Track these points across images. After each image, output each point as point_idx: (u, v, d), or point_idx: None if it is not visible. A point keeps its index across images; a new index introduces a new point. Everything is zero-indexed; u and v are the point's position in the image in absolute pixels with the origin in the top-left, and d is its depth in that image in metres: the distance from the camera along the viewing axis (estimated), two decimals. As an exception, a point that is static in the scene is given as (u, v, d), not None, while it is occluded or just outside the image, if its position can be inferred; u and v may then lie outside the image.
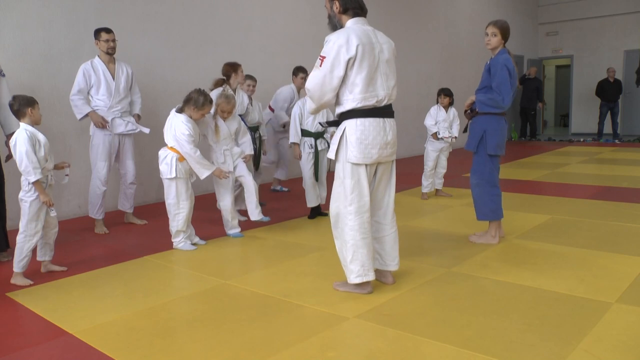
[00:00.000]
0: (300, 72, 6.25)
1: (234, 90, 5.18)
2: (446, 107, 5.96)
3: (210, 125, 4.54)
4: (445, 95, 5.93)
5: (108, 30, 4.87)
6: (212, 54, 6.50)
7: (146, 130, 5.11)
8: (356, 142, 2.99)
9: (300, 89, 6.27)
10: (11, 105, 3.57)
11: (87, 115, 4.81)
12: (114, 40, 4.88)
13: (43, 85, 5.26)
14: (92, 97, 4.88)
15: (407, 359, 2.39)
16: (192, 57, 6.50)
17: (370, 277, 3.09)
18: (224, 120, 4.59)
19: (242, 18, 7.21)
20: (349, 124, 3.01)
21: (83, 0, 5.59)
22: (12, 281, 3.57)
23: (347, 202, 3.04)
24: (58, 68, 5.39)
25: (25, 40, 5.21)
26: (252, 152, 4.89)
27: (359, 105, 2.98)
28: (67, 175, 3.80)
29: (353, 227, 3.04)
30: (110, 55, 4.89)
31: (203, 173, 4.20)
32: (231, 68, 5.16)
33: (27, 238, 3.57)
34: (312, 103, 3.12)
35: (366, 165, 3.04)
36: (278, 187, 6.89)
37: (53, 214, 3.64)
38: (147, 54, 6.14)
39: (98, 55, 4.90)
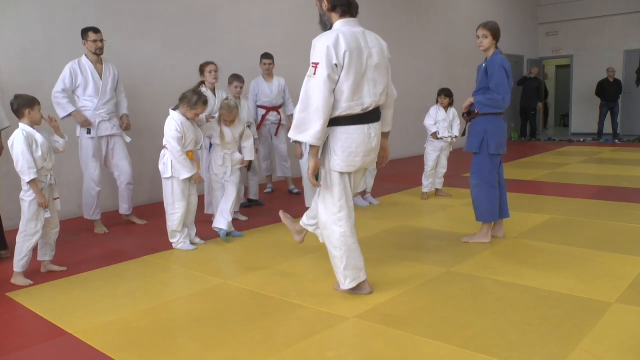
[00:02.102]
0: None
1: (213, 91, 5.17)
2: (446, 108, 5.95)
3: (216, 130, 4.55)
4: (446, 96, 5.92)
5: (96, 30, 4.81)
6: (212, 54, 6.49)
7: (127, 139, 5.07)
8: (340, 151, 2.94)
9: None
10: (12, 105, 3.59)
11: (70, 114, 4.74)
12: (102, 41, 4.82)
13: (43, 85, 5.25)
14: (78, 97, 4.83)
15: (407, 359, 2.39)
16: (192, 58, 6.49)
17: (362, 277, 3.10)
18: (229, 126, 4.59)
19: (242, 18, 7.21)
20: (333, 132, 2.95)
21: (83, 0, 5.59)
22: (13, 281, 3.58)
23: (335, 209, 3.02)
24: (58, 68, 5.36)
25: (25, 40, 5.21)
26: (252, 159, 4.87)
27: (343, 114, 2.89)
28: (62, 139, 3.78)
29: (345, 234, 3.03)
30: (98, 55, 4.84)
31: (182, 174, 4.16)
32: (201, 67, 5.21)
33: (26, 237, 3.57)
34: (320, 119, 2.81)
35: (350, 172, 3.03)
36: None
37: (47, 215, 3.62)
38: (147, 54, 6.14)
39: (85, 55, 4.84)
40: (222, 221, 4.45)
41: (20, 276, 3.58)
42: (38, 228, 3.60)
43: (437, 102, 5.99)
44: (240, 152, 4.75)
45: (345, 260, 3.04)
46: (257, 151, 5.84)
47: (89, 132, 4.83)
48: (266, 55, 6.42)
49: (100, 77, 4.85)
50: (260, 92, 6.42)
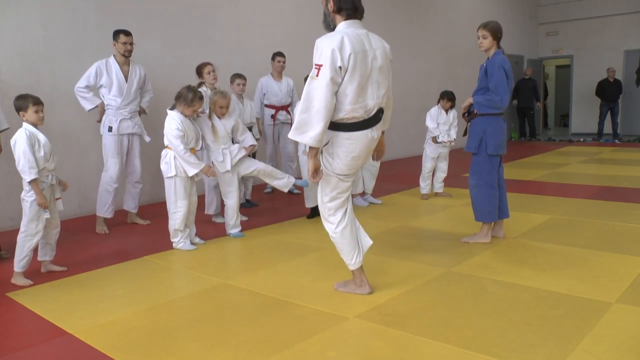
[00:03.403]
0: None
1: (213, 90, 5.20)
2: (447, 110, 5.94)
3: (207, 126, 4.54)
4: (448, 100, 5.88)
5: (127, 33, 4.91)
6: (212, 54, 6.50)
7: (147, 139, 5.15)
8: (344, 155, 2.93)
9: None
10: (14, 104, 3.62)
11: (96, 106, 4.89)
12: (131, 44, 4.93)
13: (43, 85, 5.26)
14: (104, 96, 4.93)
15: (407, 359, 2.39)
16: (192, 57, 6.49)
17: (357, 265, 3.13)
18: (222, 117, 4.58)
19: (242, 18, 7.21)
20: (336, 137, 2.93)
21: (83, 0, 5.59)
22: (13, 281, 3.58)
23: (326, 198, 3.06)
24: (58, 68, 5.39)
25: (25, 40, 5.21)
26: (255, 143, 4.88)
27: (346, 116, 2.87)
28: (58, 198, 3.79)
29: (335, 231, 3.07)
30: (126, 57, 4.94)
31: (190, 170, 4.16)
32: (198, 69, 5.26)
33: (27, 237, 3.57)
34: (321, 121, 2.77)
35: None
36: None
37: (47, 215, 3.61)
38: (147, 54, 6.13)
39: (114, 56, 4.94)
40: (281, 182, 4.77)
41: (20, 276, 3.58)
42: (39, 228, 3.60)
43: (439, 103, 5.96)
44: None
45: (339, 249, 3.15)
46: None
47: (110, 129, 4.91)
48: (280, 54, 6.43)
49: (126, 79, 4.94)
50: (269, 90, 6.40)
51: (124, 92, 4.91)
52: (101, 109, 4.92)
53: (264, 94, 6.42)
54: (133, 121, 5.04)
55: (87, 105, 4.89)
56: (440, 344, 2.50)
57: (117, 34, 4.91)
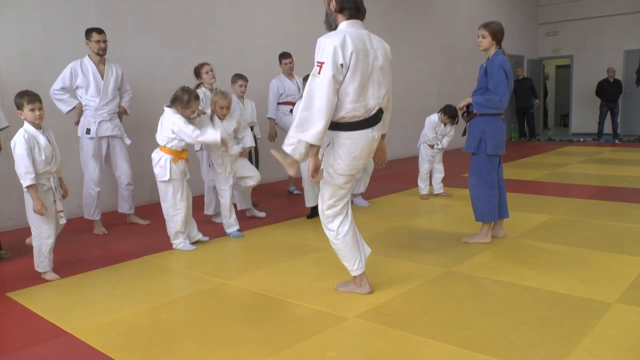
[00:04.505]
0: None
1: (211, 91, 5.19)
2: (445, 124, 5.95)
3: (209, 127, 4.53)
4: (450, 117, 5.87)
5: (100, 31, 4.82)
6: (212, 54, 6.50)
7: (127, 141, 5.07)
8: (345, 155, 2.94)
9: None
10: (14, 102, 3.60)
11: (74, 108, 4.79)
12: (105, 41, 4.83)
13: (42, 85, 5.24)
14: (81, 97, 4.85)
15: (407, 359, 2.39)
16: (192, 57, 6.50)
17: (360, 270, 3.12)
18: (223, 118, 4.58)
19: (242, 18, 7.21)
20: (337, 137, 2.93)
21: (83, 0, 5.59)
22: (43, 276, 3.64)
23: (324, 206, 3.06)
24: (58, 68, 5.36)
25: (25, 40, 5.21)
26: (253, 144, 4.87)
27: (347, 115, 2.87)
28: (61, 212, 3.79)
29: (335, 236, 3.07)
30: (100, 56, 4.85)
31: (216, 139, 4.16)
32: (197, 69, 5.25)
33: (42, 241, 3.59)
34: (322, 119, 2.76)
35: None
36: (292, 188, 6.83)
37: (47, 225, 3.57)
38: (147, 54, 6.14)
39: (88, 55, 4.86)
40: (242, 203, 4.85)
41: (50, 273, 3.65)
42: (50, 232, 3.60)
43: (439, 114, 5.94)
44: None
45: (339, 254, 3.14)
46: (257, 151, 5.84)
47: (88, 132, 4.84)
48: (286, 55, 6.36)
49: (102, 78, 4.86)
50: (286, 90, 6.33)
51: (101, 92, 4.83)
52: (79, 110, 4.82)
53: (281, 94, 6.34)
54: (112, 123, 4.94)
55: (65, 108, 4.79)
56: (440, 344, 2.50)
57: (89, 32, 4.81)
